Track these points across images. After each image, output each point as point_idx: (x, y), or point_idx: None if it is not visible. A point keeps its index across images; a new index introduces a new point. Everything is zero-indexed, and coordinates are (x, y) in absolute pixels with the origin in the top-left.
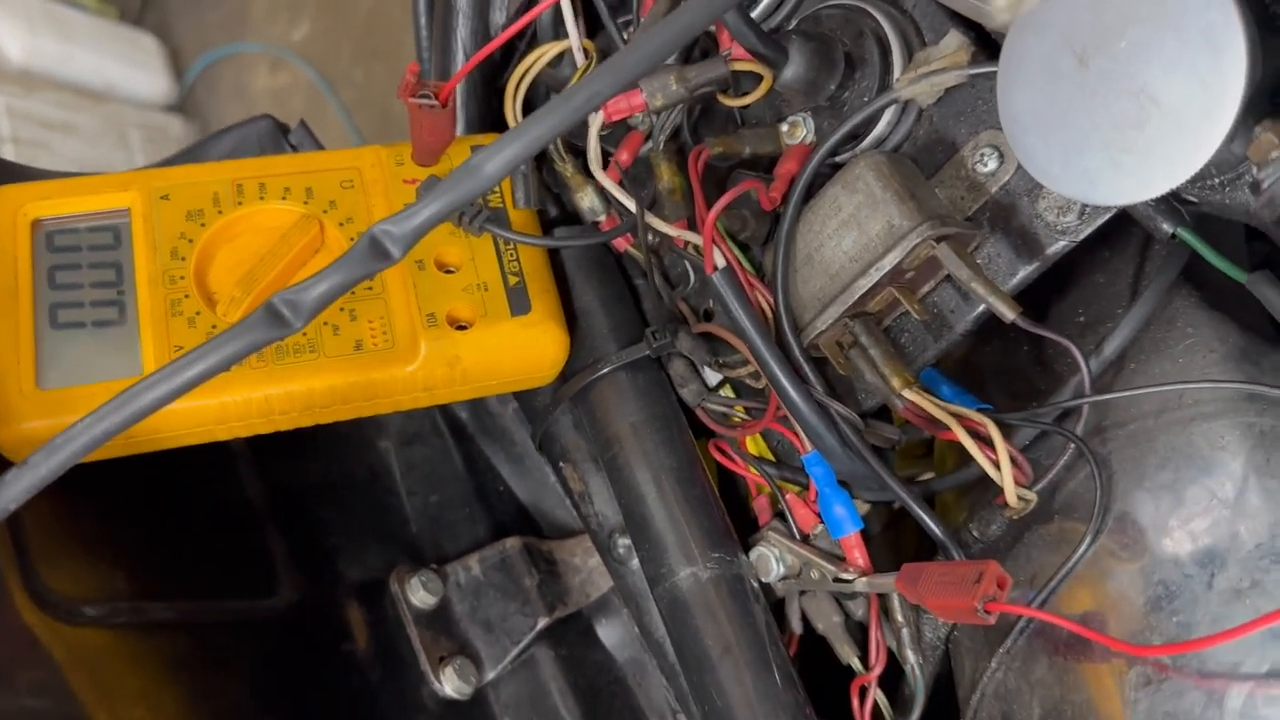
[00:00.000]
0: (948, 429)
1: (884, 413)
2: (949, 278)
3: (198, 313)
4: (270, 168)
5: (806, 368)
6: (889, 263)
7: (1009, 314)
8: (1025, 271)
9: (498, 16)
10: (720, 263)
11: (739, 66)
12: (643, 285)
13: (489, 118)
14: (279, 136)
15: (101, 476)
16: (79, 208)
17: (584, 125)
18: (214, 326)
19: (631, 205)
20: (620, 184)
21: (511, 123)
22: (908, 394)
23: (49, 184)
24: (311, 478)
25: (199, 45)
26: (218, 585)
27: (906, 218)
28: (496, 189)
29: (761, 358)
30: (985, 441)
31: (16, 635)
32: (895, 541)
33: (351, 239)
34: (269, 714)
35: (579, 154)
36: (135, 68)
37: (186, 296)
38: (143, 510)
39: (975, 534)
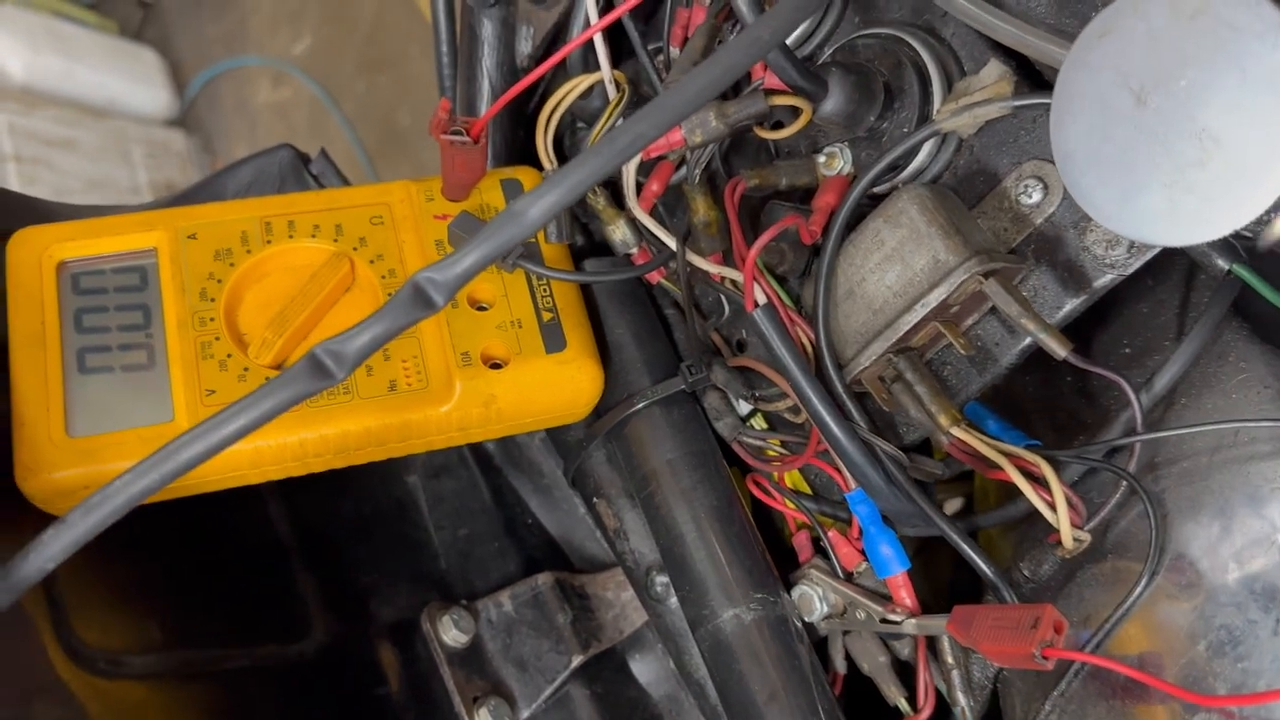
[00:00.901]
0: (998, 468)
1: (924, 444)
2: (994, 310)
3: (229, 355)
4: (298, 205)
5: (850, 404)
6: (935, 298)
7: (1060, 351)
8: (1072, 305)
9: (524, 46)
10: (761, 299)
11: (779, 101)
12: (673, 315)
13: (514, 148)
14: (300, 166)
15: (131, 522)
16: (104, 249)
17: None
18: (246, 369)
19: (671, 242)
20: (664, 221)
21: (543, 156)
22: (956, 432)
23: (74, 225)
24: (340, 515)
25: (200, 60)
26: (250, 630)
27: (953, 252)
28: None
29: (804, 395)
30: (1038, 481)
31: (52, 692)
32: (927, 568)
33: (383, 276)
34: None
35: (610, 185)
36: (137, 83)
37: (217, 339)
38: (172, 555)
39: (1026, 573)
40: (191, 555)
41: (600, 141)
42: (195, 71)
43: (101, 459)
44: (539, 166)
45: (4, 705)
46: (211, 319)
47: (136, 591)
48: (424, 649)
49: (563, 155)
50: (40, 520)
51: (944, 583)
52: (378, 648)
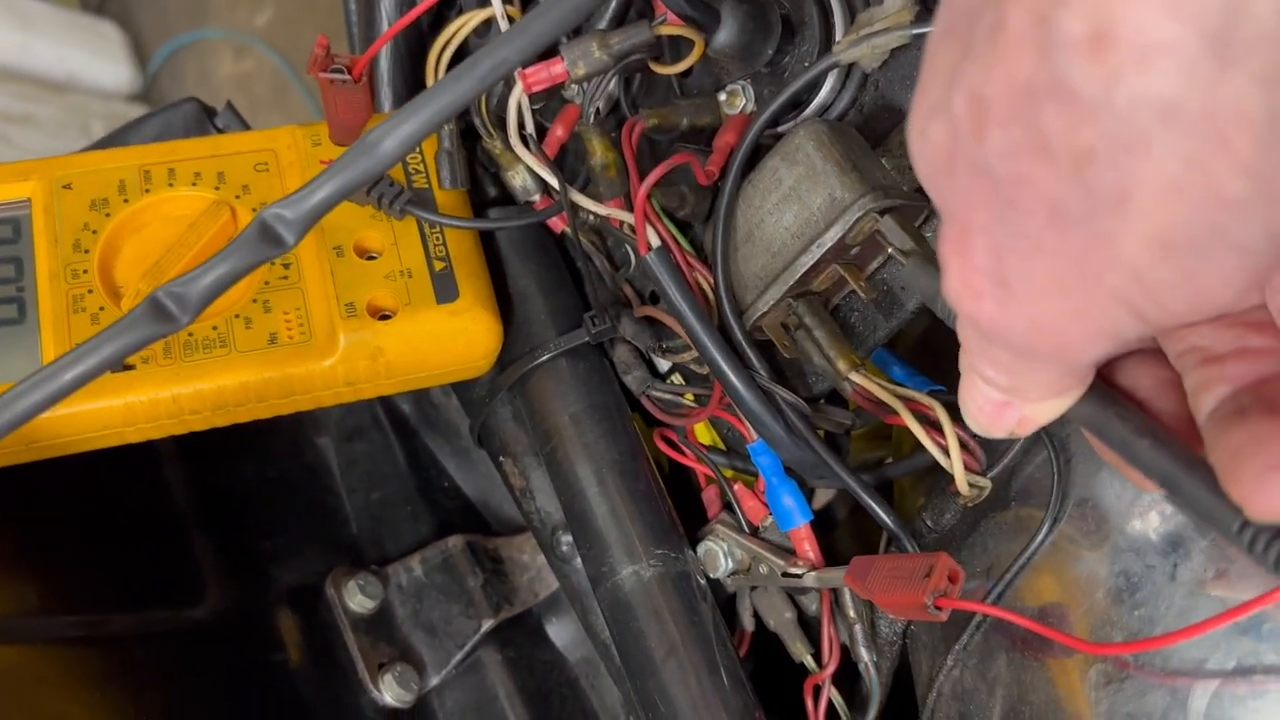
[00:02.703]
0: (895, 413)
1: (838, 396)
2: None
3: (101, 308)
4: (179, 152)
5: (750, 352)
6: (831, 238)
7: None
8: None
9: None
10: (654, 242)
11: (665, 31)
12: (583, 267)
13: (415, 90)
14: (205, 120)
15: (11, 482)
16: None
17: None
18: None
19: (555, 183)
20: (549, 161)
21: None
22: (854, 377)
23: None
24: (245, 479)
25: (161, 33)
26: (137, 596)
27: (848, 189)
28: (421, 169)
29: (700, 342)
30: (934, 426)
31: None
32: (861, 528)
33: None
34: None
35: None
36: (97, 57)
37: (90, 291)
38: (56, 517)
39: (929, 523)
40: (77, 517)
41: (461, 66)
42: (157, 45)
43: None
44: None
45: None
46: (85, 271)
47: (18, 554)
48: (328, 615)
49: None
50: None
51: (877, 543)
52: (277, 615)
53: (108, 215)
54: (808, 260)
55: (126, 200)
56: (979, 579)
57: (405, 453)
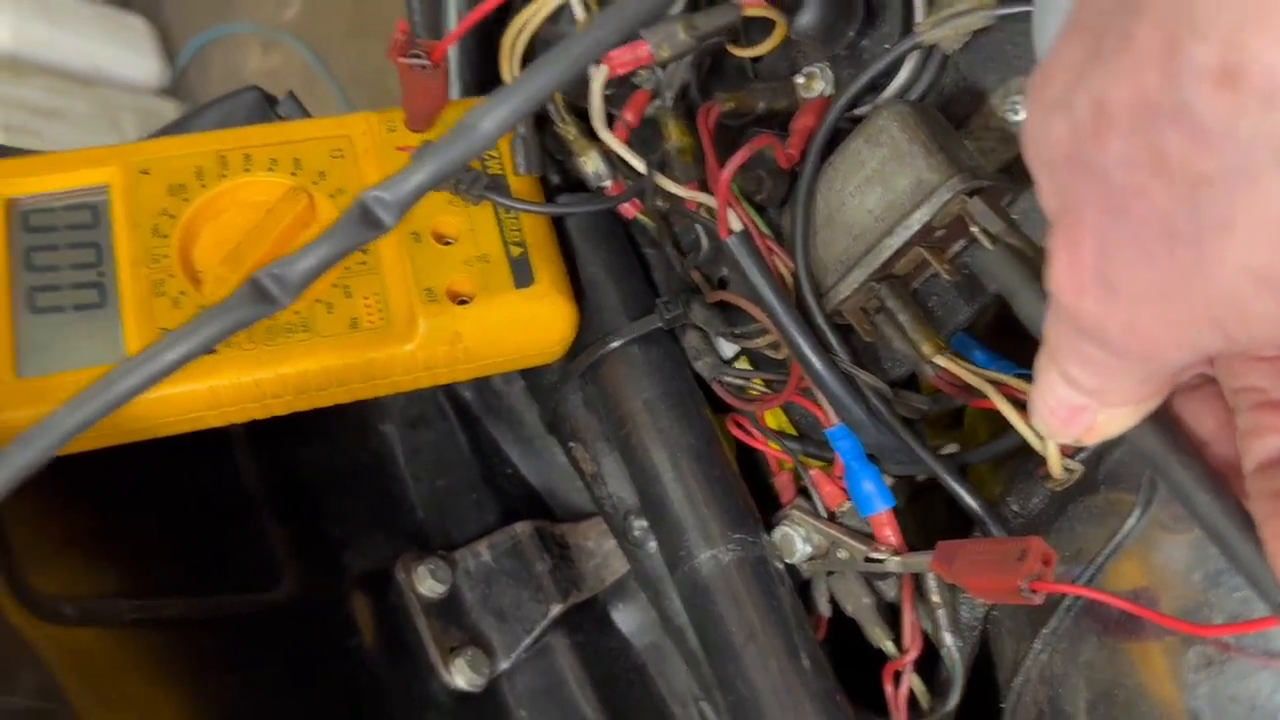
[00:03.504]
0: (984, 396)
1: (910, 381)
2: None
3: (182, 293)
4: (255, 138)
5: (831, 336)
6: (918, 221)
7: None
8: None
9: None
10: (736, 226)
11: (751, 12)
12: (653, 255)
13: (485, 79)
14: (266, 108)
15: (89, 467)
16: (55, 185)
17: (586, 84)
18: (200, 307)
19: (640, 166)
20: (628, 144)
21: (507, 80)
22: (940, 360)
23: (23, 160)
24: (312, 464)
25: (189, 27)
26: (216, 579)
27: (936, 171)
28: (495, 155)
29: (783, 326)
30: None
31: (4, 639)
32: (922, 515)
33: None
34: (270, 713)
35: (582, 115)
36: (125, 51)
37: (171, 276)
38: (134, 502)
39: (1015, 508)
40: (154, 502)
41: (557, 48)
42: (184, 39)
43: (52, 399)
44: None
45: None
46: (165, 256)
47: (94, 538)
48: (399, 599)
49: None
50: None
51: (939, 531)
52: (350, 599)
53: (186, 200)
54: (894, 243)
55: (204, 186)
56: (1067, 563)
57: (469, 440)
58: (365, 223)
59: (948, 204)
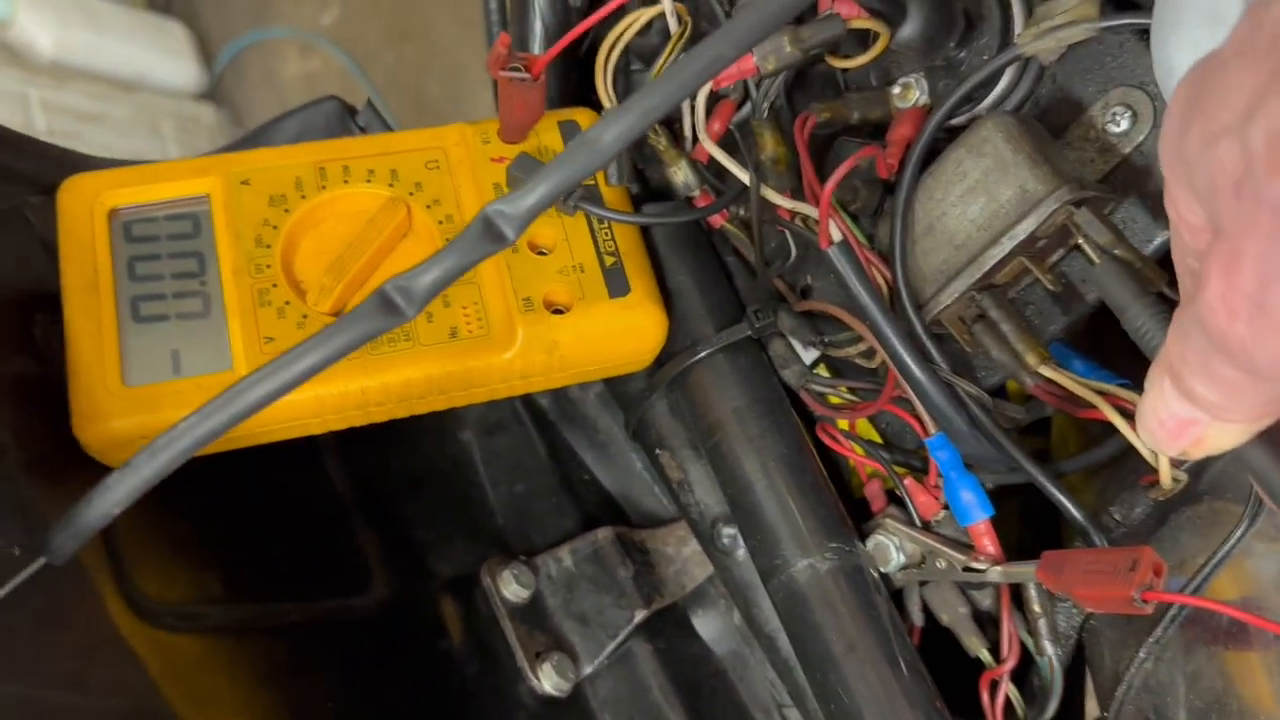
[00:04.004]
0: (1090, 406)
1: (998, 390)
2: (1080, 245)
3: (287, 302)
4: (352, 150)
5: (930, 345)
6: (1024, 230)
7: (1156, 283)
8: (1164, 237)
9: None
10: (836, 236)
11: (857, 24)
12: (733, 263)
13: (567, 90)
14: (346, 117)
15: (190, 474)
16: (156, 195)
17: None
18: (305, 316)
19: (742, 175)
20: (732, 155)
21: (603, 94)
22: (1045, 370)
23: (125, 171)
24: (394, 470)
25: (227, 32)
26: (310, 585)
27: (1042, 182)
28: None
29: (883, 335)
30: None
31: (111, 645)
32: (999, 525)
33: (440, 221)
34: (365, 716)
35: (669, 126)
36: (165, 56)
37: (274, 286)
38: (230, 508)
39: (1117, 518)
40: (249, 509)
41: (675, 65)
42: (223, 44)
43: (159, 408)
44: (595, 108)
45: (63, 658)
46: (268, 266)
47: (195, 544)
48: (484, 604)
49: (619, 98)
50: (93, 473)
51: (1011, 542)
52: (438, 603)
53: (286, 211)
54: (998, 253)
55: (304, 196)
56: (1172, 573)
57: (546, 446)
58: (488, 237)
59: (1054, 214)
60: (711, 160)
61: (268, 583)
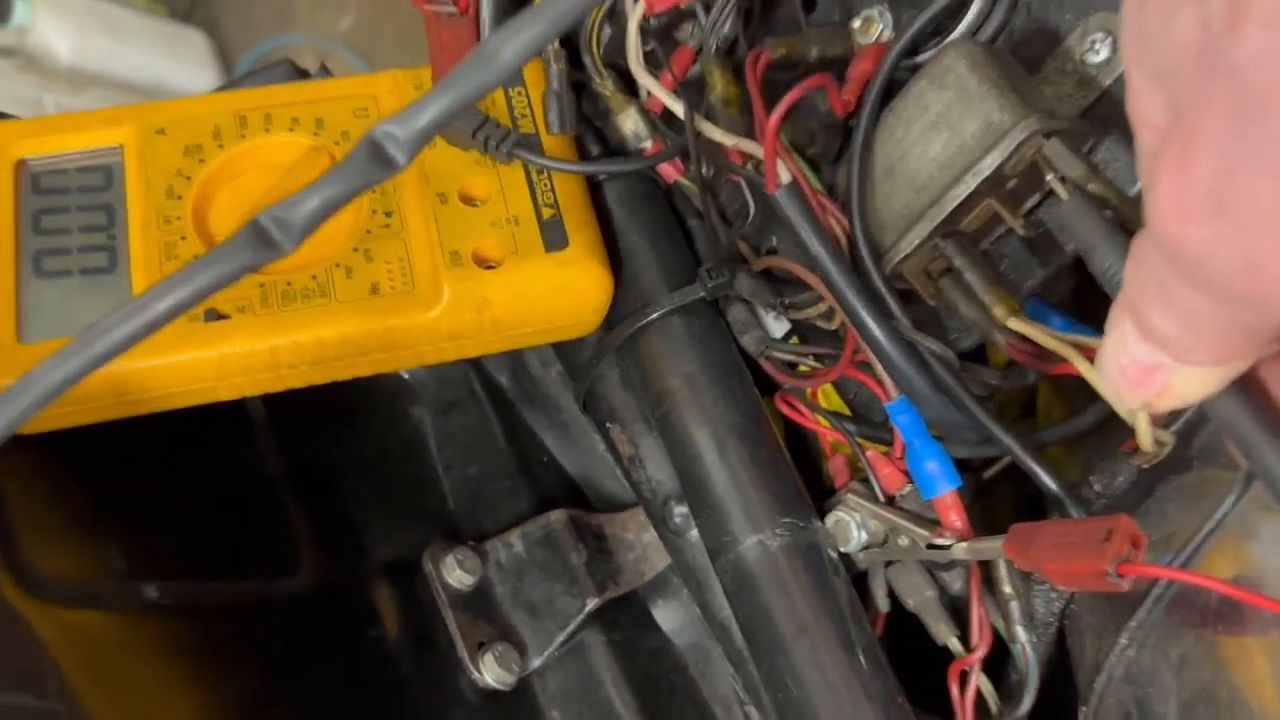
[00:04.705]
0: (1064, 361)
1: (978, 357)
2: (1052, 188)
3: (196, 256)
4: (275, 97)
5: (890, 299)
6: (989, 165)
7: (1136, 220)
8: None
9: None
10: (784, 178)
11: None
12: (696, 226)
13: None
14: (298, 77)
15: (99, 443)
16: (68, 145)
17: (624, 38)
18: None
19: (679, 109)
20: (675, 88)
21: None
22: (1014, 323)
23: (36, 121)
24: (339, 450)
25: (247, 40)
26: (231, 564)
27: (1009, 111)
28: (527, 113)
29: (836, 287)
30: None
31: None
32: (985, 516)
33: None
34: (286, 704)
35: (621, 74)
36: (184, 64)
37: (183, 239)
38: (147, 482)
39: (1098, 488)
40: (169, 483)
41: None
42: (242, 52)
43: None
44: None
45: None
46: (178, 218)
47: (101, 520)
48: (425, 591)
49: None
50: None
51: (1002, 529)
52: (374, 588)
53: (202, 161)
54: (961, 191)
55: (222, 146)
56: (1156, 549)
57: (503, 426)
58: (375, 161)
59: (1022, 146)
60: (666, 111)
61: (181, 560)
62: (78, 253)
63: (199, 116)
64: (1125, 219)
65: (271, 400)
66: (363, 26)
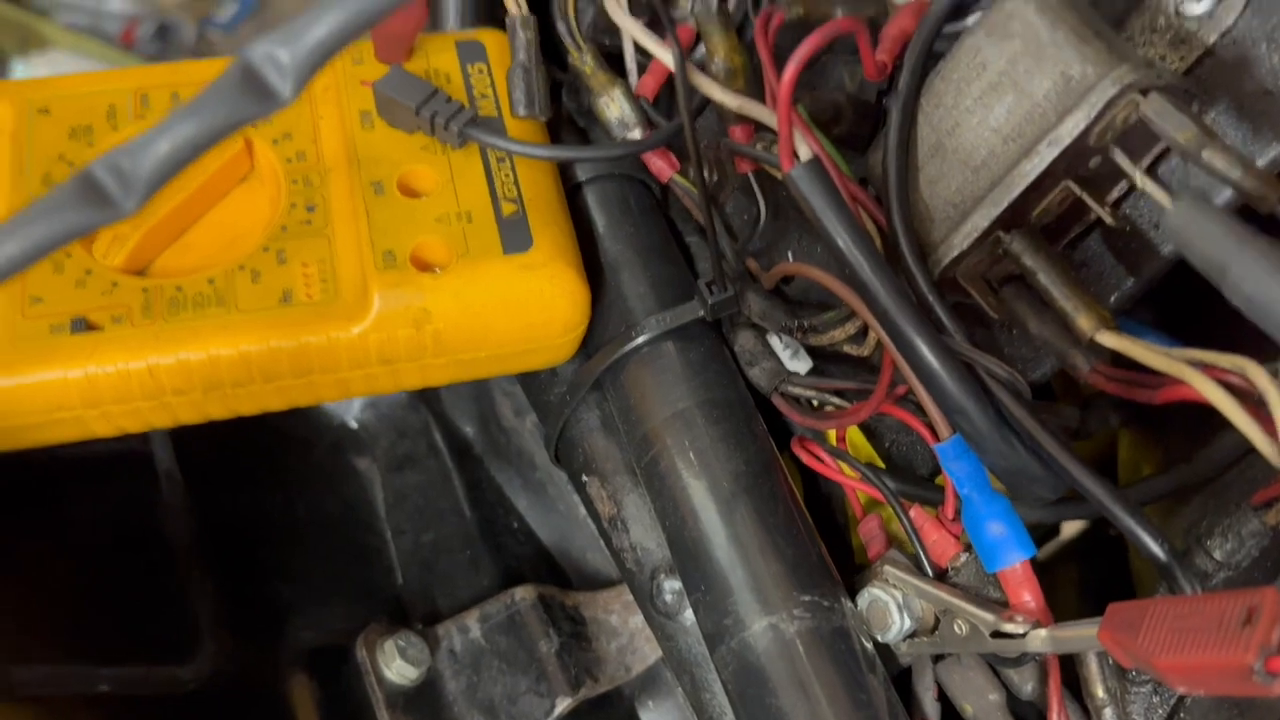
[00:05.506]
0: (1177, 382)
1: (1044, 393)
2: (1150, 171)
3: (68, 254)
4: (184, 73)
5: (940, 308)
6: (1070, 131)
7: (1270, 198)
8: (1276, 152)
9: None
10: (804, 153)
11: None
12: (696, 243)
13: (484, 6)
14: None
15: None
16: None
17: (607, 18)
18: (88, 272)
19: (666, 56)
20: (666, 34)
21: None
22: (1105, 338)
23: None
24: (264, 510)
25: None
26: (112, 645)
27: (1093, 63)
28: (488, 93)
29: (871, 296)
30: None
31: None
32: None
33: (289, 159)
34: None
35: (600, 44)
36: None
37: None
38: (11, 541)
39: (1218, 556)
40: (39, 541)
41: None
42: None
43: None
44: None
45: None
46: None
47: None
48: (357, 684)
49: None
50: None
51: (1071, 606)
52: (290, 680)
53: (90, 145)
54: (1033, 168)
55: (116, 128)
56: None
57: (466, 486)
58: (250, 90)
59: (1113, 106)
60: (659, 97)
61: (55, 638)
62: None
63: (92, 94)
64: (1251, 197)
65: (183, 445)
66: None
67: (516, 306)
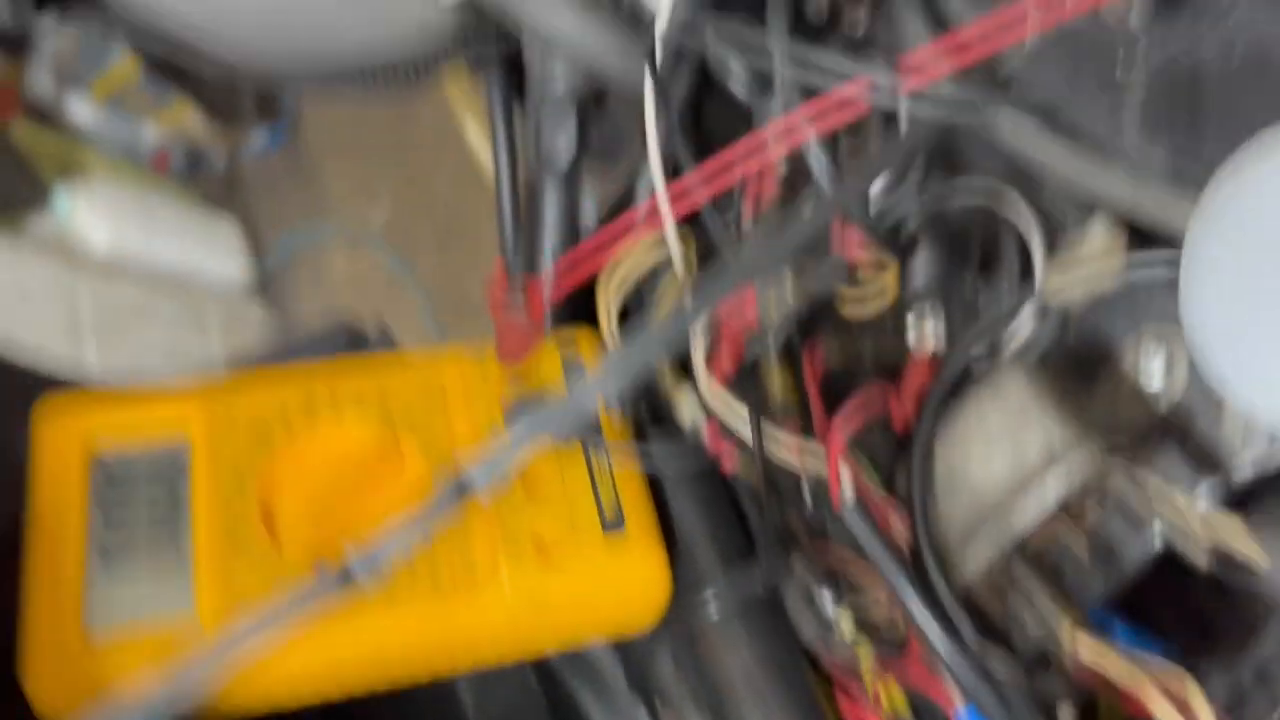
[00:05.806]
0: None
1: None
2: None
3: (257, 545)
4: (343, 376)
5: (957, 613)
6: (1053, 494)
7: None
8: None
9: (588, 216)
10: (849, 495)
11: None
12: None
13: (569, 306)
14: (358, 346)
15: None
16: (138, 431)
17: None
18: (275, 561)
19: (740, 424)
20: (735, 394)
21: (604, 326)
22: (1081, 645)
23: (104, 396)
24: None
25: (279, 231)
26: None
27: (1066, 436)
28: None
29: (906, 603)
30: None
31: None
32: None
33: (431, 457)
34: None
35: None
36: (216, 253)
37: (248, 529)
38: None
39: None
40: None
41: (663, 321)
42: (274, 242)
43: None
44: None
45: None
46: (243, 506)
47: None
48: None
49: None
50: None
51: None
52: None
53: (270, 450)
54: (1026, 520)
55: (290, 432)
56: None
57: (546, 697)
58: (459, 498)
59: (1085, 472)
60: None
61: None
62: (143, 541)
63: (266, 400)
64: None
65: None
66: (398, 221)
67: (617, 588)
